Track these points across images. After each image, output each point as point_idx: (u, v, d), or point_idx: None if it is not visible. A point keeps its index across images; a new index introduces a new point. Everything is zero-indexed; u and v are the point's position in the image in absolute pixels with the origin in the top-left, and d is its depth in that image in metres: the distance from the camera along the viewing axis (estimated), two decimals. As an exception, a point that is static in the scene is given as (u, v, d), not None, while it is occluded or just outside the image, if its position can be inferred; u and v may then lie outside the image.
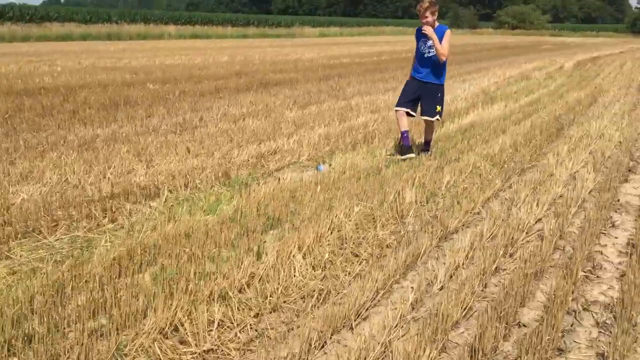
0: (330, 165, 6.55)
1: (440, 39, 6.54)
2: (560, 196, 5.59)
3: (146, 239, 4.15)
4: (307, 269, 3.80)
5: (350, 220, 4.54)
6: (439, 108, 6.77)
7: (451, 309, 3.26)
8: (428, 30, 6.54)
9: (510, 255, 4.17)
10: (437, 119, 6.89)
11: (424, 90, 6.77)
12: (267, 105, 10.98)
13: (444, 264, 3.98)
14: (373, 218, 4.71)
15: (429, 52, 6.66)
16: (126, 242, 4.09)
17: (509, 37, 63.11)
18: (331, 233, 4.30)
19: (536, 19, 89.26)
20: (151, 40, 41.99)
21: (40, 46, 30.15)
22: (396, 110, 6.89)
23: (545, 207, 5.09)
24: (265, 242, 4.17)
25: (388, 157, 6.82)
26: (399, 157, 6.77)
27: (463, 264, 3.98)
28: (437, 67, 6.69)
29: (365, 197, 5.18)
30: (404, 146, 6.90)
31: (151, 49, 28.63)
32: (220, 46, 33.13)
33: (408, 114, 6.83)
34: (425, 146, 7.12)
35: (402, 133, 6.94)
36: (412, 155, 6.76)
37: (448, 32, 6.65)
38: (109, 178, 5.80)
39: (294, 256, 3.89)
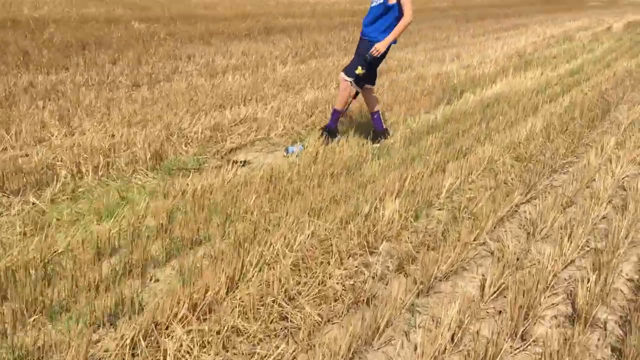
0: (304, 147, 5.07)
1: None
2: (604, 217, 4.07)
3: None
4: None
5: (290, 254, 3.10)
6: (360, 70, 5.06)
7: None
8: None
9: (523, 338, 2.72)
10: (349, 81, 5.12)
11: (359, 45, 5.19)
12: (261, 57, 9.42)
13: (416, 350, 2.55)
14: (328, 248, 3.27)
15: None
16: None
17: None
18: (252, 277, 2.88)
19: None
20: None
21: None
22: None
23: (580, 243, 3.59)
24: (136, 295, 2.78)
25: (378, 143, 5.30)
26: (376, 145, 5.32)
27: (445, 352, 2.55)
28: (381, 18, 4.98)
29: (327, 210, 3.73)
30: (375, 131, 5.43)
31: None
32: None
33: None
34: (330, 117, 5.37)
35: (372, 115, 5.44)
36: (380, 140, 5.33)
37: None
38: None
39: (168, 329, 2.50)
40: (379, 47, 4.95)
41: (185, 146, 4.95)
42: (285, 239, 3.21)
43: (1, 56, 7.67)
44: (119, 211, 3.52)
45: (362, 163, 4.71)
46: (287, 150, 5.09)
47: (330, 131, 5.29)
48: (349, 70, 5.14)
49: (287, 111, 6.12)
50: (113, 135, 4.88)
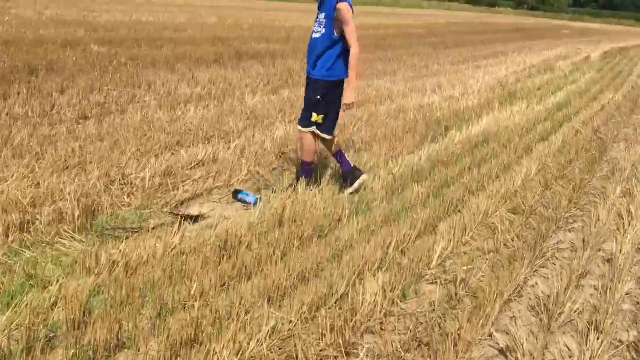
0: (259, 200, 4.32)
1: (331, 16, 4.23)
2: (627, 294, 3.39)
3: None
4: None
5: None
6: (316, 117, 4.39)
7: None
8: None
9: None
10: (316, 133, 4.45)
11: (307, 88, 4.50)
12: (230, 85, 8.70)
13: None
14: (291, 352, 2.50)
15: (315, 29, 4.36)
16: None
17: (527, 18, 59.83)
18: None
19: (557, 2, 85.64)
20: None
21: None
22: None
23: (609, 337, 2.88)
24: None
25: (352, 188, 4.58)
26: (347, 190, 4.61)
27: None
28: (326, 53, 4.31)
29: (294, 292, 2.97)
30: (344, 172, 4.72)
31: (141, 3, 26.08)
32: (221, 5, 30.42)
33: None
34: (301, 172, 4.62)
35: (336, 156, 4.73)
36: (362, 180, 4.63)
37: (343, 5, 4.17)
38: None
39: None
40: (346, 101, 4.33)
41: (128, 197, 4.16)
42: (236, 343, 2.43)
43: None
44: (20, 299, 2.71)
45: (338, 222, 3.96)
46: (236, 195, 4.36)
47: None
48: (304, 120, 4.44)
49: (253, 150, 5.37)
50: (38, 185, 4.07)
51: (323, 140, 4.51)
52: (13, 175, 4.20)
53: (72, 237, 3.46)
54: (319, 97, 4.38)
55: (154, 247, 3.32)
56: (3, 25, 12.25)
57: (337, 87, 4.40)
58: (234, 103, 7.49)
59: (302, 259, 3.32)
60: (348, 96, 4.33)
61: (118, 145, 5.25)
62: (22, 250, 3.24)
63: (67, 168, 4.55)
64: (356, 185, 4.57)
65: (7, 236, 3.35)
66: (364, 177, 4.62)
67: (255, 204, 4.28)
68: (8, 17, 14.30)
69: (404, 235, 3.69)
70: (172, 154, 5.22)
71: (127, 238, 3.53)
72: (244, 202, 4.36)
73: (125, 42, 11.75)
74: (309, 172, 4.62)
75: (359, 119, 7.08)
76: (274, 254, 3.35)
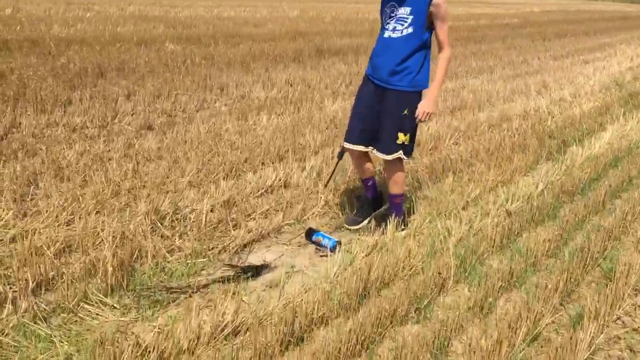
0: (338, 245, 3.47)
1: (422, 11, 3.29)
2: None
3: None
4: None
5: None
6: (402, 137, 3.47)
7: None
8: None
9: None
10: (401, 158, 3.55)
11: (382, 102, 3.49)
12: (308, 87, 7.89)
13: None
14: None
15: (396, 28, 3.35)
16: None
17: (626, 5, 55.44)
18: None
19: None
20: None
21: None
22: (345, 149, 3.72)
23: None
24: None
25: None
26: (349, 226, 3.80)
27: None
28: (413, 57, 3.37)
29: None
30: (366, 199, 3.90)
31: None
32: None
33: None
34: (390, 208, 3.79)
35: (364, 182, 3.87)
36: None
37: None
38: None
39: None
40: (426, 109, 3.39)
41: (179, 238, 3.40)
42: None
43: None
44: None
45: (441, 288, 3.02)
46: (310, 235, 3.53)
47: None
48: (387, 147, 3.51)
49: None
50: (72, 222, 3.38)
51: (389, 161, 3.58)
52: (47, 210, 3.54)
53: (101, 302, 2.72)
54: (405, 112, 3.46)
55: (199, 326, 2.52)
56: (82, 23, 12.02)
57: (420, 99, 3.47)
58: (312, 109, 6.66)
59: (395, 351, 2.42)
60: (429, 104, 3.39)
61: (177, 165, 4.54)
62: (35, 324, 2.52)
63: (116, 194, 3.87)
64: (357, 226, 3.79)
65: (21, 302, 2.64)
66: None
67: (332, 250, 3.43)
68: (90, 13, 14.18)
69: (536, 314, 2.70)
70: (237, 177, 4.44)
71: (170, 303, 2.77)
72: (318, 246, 3.52)
73: (202, 39, 11.19)
74: (400, 208, 3.73)
75: (455, 129, 6.06)
76: (357, 341, 2.46)
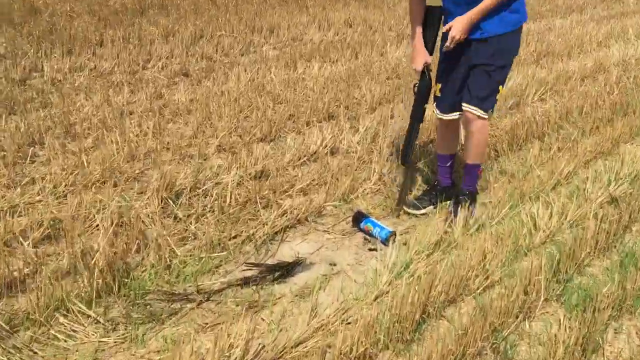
0: (392, 236, 2.74)
1: None
2: None
3: None
4: None
5: None
6: (502, 89, 2.75)
7: None
8: None
9: None
10: (485, 115, 2.76)
11: (472, 52, 2.71)
12: (370, 28, 7.00)
13: None
14: None
15: None
16: None
17: None
18: None
19: None
20: None
21: None
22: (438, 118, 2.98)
23: None
24: None
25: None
26: (408, 210, 3.01)
27: None
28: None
29: None
30: (438, 183, 3.11)
31: None
32: None
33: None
34: (464, 183, 3.01)
35: (439, 159, 3.09)
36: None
37: None
38: None
39: None
40: (456, 31, 2.60)
41: (195, 222, 2.75)
42: None
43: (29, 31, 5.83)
44: None
45: (528, 311, 2.25)
46: (358, 221, 2.81)
47: (464, 198, 2.92)
48: (487, 102, 2.71)
49: (390, 138, 3.72)
50: (65, 198, 2.78)
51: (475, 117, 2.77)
52: (44, 180, 2.95)
53: (81, 312, 2.12)
54: (502, 62, 2.66)
55: (198, 358, 1.88)
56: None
57: (515, 39, 2.75)
58: (372, 55, 5.80)
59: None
60: (460, 26, 2.56)
61: (208, 123, 3.88)
62: (-9, 345, 1.95)
63: (130, 159, 3.26)
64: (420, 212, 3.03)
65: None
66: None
67: (385, 242, 2.71)
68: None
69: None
70: (276, 139, 3.74)
71: (169, 317, 2.14)
72: (368, 235, 2.80)
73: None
74: (475, 184, 2.97)
75: (541, 82, 5.09)
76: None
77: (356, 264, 2.59)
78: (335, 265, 2.58)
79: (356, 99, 4.50)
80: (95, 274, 2.21)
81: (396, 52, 5.92)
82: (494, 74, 2.69)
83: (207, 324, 2.11)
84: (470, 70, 2.72)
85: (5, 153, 3.27)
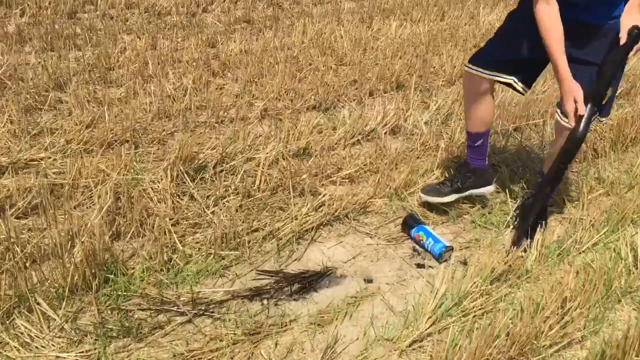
0: (446, 252, 2.19)
1: None
2: None
3: None
4: None
5: None
6: (610, 92, 2.06)
7: None
8: None
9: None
10: (601, 120, 2.19)
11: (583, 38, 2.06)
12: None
13: None
14: None
15: None
16: None
17: None
18: None
19: None
20: None
21: None
22: (470, 73, 2.26)
23: None
24: None
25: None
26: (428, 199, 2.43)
27: None
28: None
29: None
30: (465, 167, 2.46)
31: None
32: None
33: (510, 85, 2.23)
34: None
35: (470, 135, 2.40)
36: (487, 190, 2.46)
37: None
38: None
39: None
40: None
41: (214, 206, 2.30)
42: None
43: None
44: None
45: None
46: (409, 225, 2.27)
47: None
48: (595, 100, 2.03)
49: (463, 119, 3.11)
50: (71, 157, 2.38)
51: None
52: (54, 134, 2.58)
53: (45, 315, 1.73)
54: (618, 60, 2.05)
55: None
56: None
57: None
58: (460, 18, 5.09)
59: None
60: None
61: (257, 81, 3.40)
62: None
63: (162, 116, 2.85)
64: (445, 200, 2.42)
65: None
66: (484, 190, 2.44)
67: (438, 258, 2.18)
68: None
69: None
70: (331, 109, 3.21)
71: (149, 333, 1.72)
72: (418, 245, 2.27)
73: None
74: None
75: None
76: None
77: (397, 284, 2.08)
78: (371, 282, 2.08)
79: (433, 68, 3.88)
80: (72, 265, 1.81)
81: (489, 16, 5.17)
82: None
83: (191, 351, 1.67)
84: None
85: (27, 96, 2.92)
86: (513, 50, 2.19)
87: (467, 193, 2.45)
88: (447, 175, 2.65)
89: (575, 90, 1.99)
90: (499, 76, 2.20)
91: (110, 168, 2.33)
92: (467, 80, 2.31)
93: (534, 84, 2.38)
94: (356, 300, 1.97)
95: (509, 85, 2.24)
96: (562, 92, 2.05)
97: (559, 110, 2.16)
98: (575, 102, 1.99)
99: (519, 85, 2.23)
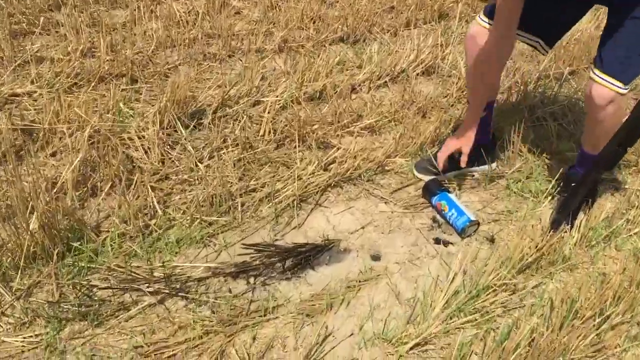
0: (473, 224, 1.87)
1: None
2: None
3: None
4: None
5: None
6: None
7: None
8: None
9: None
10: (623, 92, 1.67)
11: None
12: None
13: None
14: None
15: None
16: None
17: None
18: None
19: None
20: None
21: None
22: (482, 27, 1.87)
23: None
24: None
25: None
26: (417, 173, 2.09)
27: None
28: None
29: None
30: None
31: None
32: None
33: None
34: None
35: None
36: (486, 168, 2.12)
37: None
38: None
39: None
40: None
41: (209, 158, 2.03)
42: None
43: None
44: None
45: None
46: (431, 192, 1.96)
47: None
48: (625, 71, 1.65)
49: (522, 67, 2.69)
50: (58, 93, 2.12)
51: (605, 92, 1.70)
52: (42, 63, 2.31)
53: (-1, 288, 1.53)
54: None
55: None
56: None
57: None
58: None
59: None
60: None
61: (281, 4, 3.01)
62: None
63: (170, 46, 2.53)
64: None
65: None
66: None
67: (461, 233, 1.87)
68: None
69: None
70: (359, 41, 2.82)
71: (116, 313, 1.51)
72: (440, 215, 1.96)
73: None
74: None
75: None
76: None
77: (408, 263, 1.79)
78: (378, 259, 1.80)
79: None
80: (30, 230, 1.59)
81: None
82: None
83: (154, 343, 1.45)
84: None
85: (20, 17, 2.65)
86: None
87: (464, 171, 2.10)
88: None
89: (468, 143, 1.93)
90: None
91: (93, 109, 2.06)
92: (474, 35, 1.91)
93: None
94: (357, 283, 1.70)
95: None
96: (458, 134, 1.97)
97: (595, 69, 1.73)
98: (460, 153, 1.94)
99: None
